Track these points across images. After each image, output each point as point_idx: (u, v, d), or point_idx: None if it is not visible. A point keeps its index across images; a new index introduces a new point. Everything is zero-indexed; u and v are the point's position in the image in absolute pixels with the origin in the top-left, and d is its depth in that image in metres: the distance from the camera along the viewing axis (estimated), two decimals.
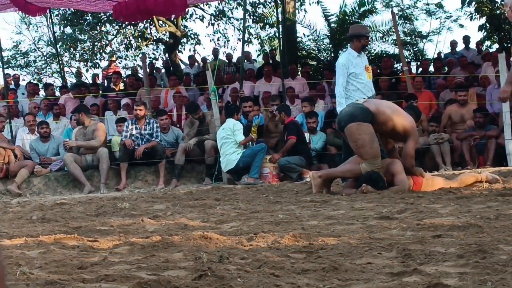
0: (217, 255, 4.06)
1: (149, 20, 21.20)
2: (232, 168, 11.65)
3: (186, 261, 4.04)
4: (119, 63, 24.34)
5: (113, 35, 23.98)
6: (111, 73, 19.23)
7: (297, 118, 13.22)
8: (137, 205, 7.96)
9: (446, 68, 16.65)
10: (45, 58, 27.24)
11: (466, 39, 18.99)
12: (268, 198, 8.21)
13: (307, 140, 12.42)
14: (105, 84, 18.15)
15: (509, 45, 19.10)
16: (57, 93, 17.00)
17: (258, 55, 25.43)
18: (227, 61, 19.94)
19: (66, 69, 25.18)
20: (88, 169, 12.50)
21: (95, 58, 23.55)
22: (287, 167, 11.69)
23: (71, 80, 24.15)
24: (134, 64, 25.00)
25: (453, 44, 19.11)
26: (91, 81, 21.49)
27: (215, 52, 20.82)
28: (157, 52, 25.51)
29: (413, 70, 18.14)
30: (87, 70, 24.38)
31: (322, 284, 3.35)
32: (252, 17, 23.30)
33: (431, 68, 17.67)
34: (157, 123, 12.61)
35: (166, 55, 23.72)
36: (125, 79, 18.62)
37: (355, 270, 3.61)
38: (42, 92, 18.41)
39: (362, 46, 9.38)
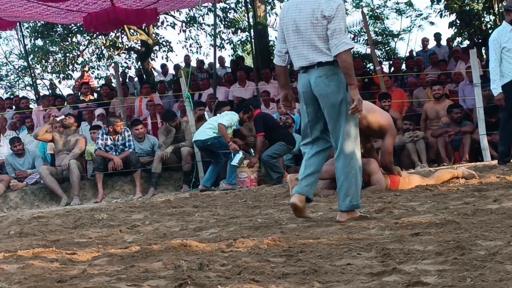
0: (197, 262, 4.05)
1: (120, 29, 21.15)
2: (200, 139, 11.60)
3: (166, 270, 4.03)
4: (92, 73, 24.24)
5: (84, 45, 23.89)
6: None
7: None
8: (115, 216, 7.92)
9: (415, 68, 16.66)
10: (17, 71, 27.08)
11: (437, 37, 19.10)
12: (246, 203, 8.21)
13: None
14: (79, 95, 18.07)
15: (480, 40, 19.22)
16: (32, 106, 16.90)
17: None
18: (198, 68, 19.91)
19: (38, 81, 25.04)
20: (64, 181, 12.43)
21: (67, 69, 23.45)
22: (270, 163, 11.65)
23: (44, 92, 24.02)
24: (107, 74, 24.92)
25: (424, 41, 19.22)
26: (71, 92, 21.37)
27: (187, 59, 20.79)
28: (130, 60, 25.45)
29: (385, 69, 18.21)
30: (59, 82, 24.30)
31: (303, 287, 3.36)
32: (223, 23, 23.30)
33: (404, 67, 17.75)
34: (128, 132, 12.54)
35: (139, 63, 23.67)
36: (98, 89, 18.53)
37: (335, 272, 3.62)
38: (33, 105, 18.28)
39: None
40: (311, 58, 5.61)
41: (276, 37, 22.17)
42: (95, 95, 18.49)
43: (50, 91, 23.39)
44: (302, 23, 5.59)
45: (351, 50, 5.60)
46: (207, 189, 11.28)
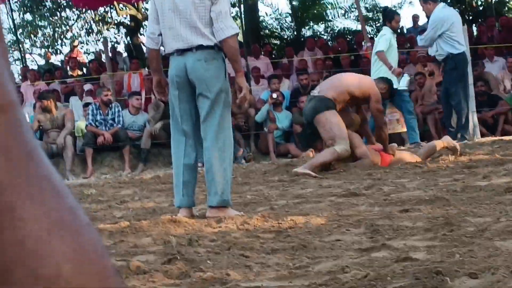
0: (186, 238, 4.05)
1: (109, 4, 21.03)
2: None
3: (155, 245, 4.02)
4: (81, 48, 24.15)
5: (73, 20, 23.76)
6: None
7: (263, 96, 13.23)
8: (104, 191, 7.91)
9: (408, 44, 16.63)
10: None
11: None
12: (236, 179, 8.19)
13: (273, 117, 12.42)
14: (68, 70, 18.00)
15: (470, 17, 19.21)
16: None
17: None
18: None
19: (27, 56, 24.94)
20: (53, 157, 12.40)
21: (56, 44, 23.33)
22: None
23: (33, 67, 23.91)
24: (96, 49, 24.82)
25: (415, 18, 19.16)
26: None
27: None
28: (119, 36, 25.33)
29: None
30: (44, 57, 24.18)
31: (292, 263, 3.36)
32: None
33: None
34: (119, 107, 12.52)
35: (128, 38, 23.56)
36: (87, 64, 18.47)
37: (324, 248, 3.62)
38: None
39: None
40: (191, 40, 5.09)
41: (266, 13, 22.12)
42: (84, 70, 18.41)
43: (45, 63, 23.23)
44: (182, 2, 5.09)
45: (237, 35, 5.22)
46: None
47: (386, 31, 10.90)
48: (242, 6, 17.20)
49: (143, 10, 22.57)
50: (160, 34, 5.25)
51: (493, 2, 18.68)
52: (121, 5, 21.43)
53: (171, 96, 5.32)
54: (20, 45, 21.34)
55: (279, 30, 22.20)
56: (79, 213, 0.67)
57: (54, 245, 0.62)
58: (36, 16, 21.96)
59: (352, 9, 21.72)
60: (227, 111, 5.19)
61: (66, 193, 0.66)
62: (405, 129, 11.36)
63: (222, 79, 5.17)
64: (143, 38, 23.50)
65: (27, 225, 0.61)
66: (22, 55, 21.05)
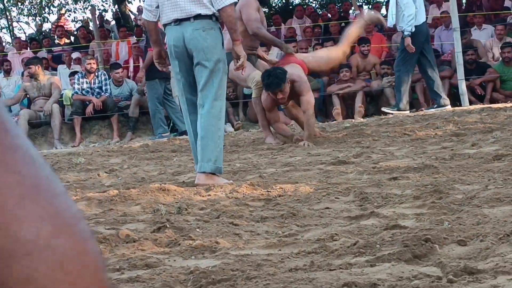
0: (176, 206, 4.06)
1: None
2: None
3: (145, 214, 4.03)
4: (68, 16, 23.97)
5: None
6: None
7: None
8: (93, 160, 7.89)
9: None
10: None
11: None
12: (225, 148, 8.19)
13: None
14: (55, 38, 17.86)
15: None
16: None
17: None
18: None
19: (15, 24, 24.74)
20: (41, 126, 12.35)
21: (44, 12, 23.15)
22: None
23: (20, 35, 23.77)
24: (83, 17, 24.65)
25: None
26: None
27: None
28: (107, 3, 25.16)
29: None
30: (36, 25, 24.01)
31: (281, 230, 3.37)
32: None
33: (383, 11, 17.65)
34: (105, 75, 12.43)
35: (116, 6, 23.40)
36: (75, 32, 18.32)
37: (313, 216, 3.63)
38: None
39: None
40: (189, 10, 5.12)
41: None
42: (72, 38, 18.28)
43: (35, 32, 23.09)
44: None
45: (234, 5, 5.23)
46: None
47: None
48: None
49: None
50: (158, 7, 5.27)
51: None
52: None
53: (172, 66, 5.41)
54: (7, 13, 21.16)
55: None
56: (55, 181, 0.67)
57: (30, 210, 0.63)
58: None
59: None
60: (224, 80, 5.27)
61: (42, 163, 0.67)
62: None
63: (220, 48, 5.22)
64: (130, 6, 23.38)
65: (1, 193, 0.62)
66: (10, 23, 20.87)
